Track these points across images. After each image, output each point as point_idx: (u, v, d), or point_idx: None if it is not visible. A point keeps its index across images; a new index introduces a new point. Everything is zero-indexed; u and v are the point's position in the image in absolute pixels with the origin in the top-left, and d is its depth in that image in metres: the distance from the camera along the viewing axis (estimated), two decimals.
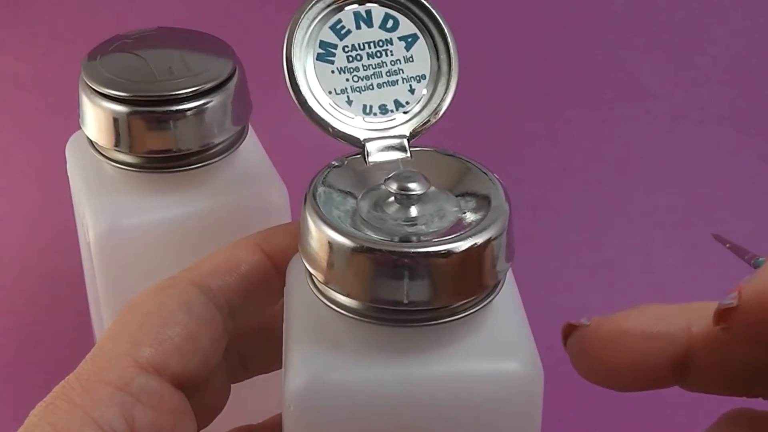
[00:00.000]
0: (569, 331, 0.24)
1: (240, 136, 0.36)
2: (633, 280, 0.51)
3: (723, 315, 0.22)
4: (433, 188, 0.25)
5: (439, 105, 0.27)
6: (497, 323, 0.25)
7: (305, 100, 0.26)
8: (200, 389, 0.27)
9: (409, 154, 0.26)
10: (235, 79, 0.34)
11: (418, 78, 0.27)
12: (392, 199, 0.25)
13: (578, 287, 0.51)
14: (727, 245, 0.29)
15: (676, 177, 0.55)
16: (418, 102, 0.27)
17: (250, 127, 0.37)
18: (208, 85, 0.33)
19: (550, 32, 0.58)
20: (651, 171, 0.55)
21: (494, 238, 0.23)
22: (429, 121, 0.27)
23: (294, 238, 0.29)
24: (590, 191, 0.55)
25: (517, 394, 0.24)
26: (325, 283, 0.24)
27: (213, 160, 0.34)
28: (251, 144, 0.37)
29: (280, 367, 0.31)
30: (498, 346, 0.25)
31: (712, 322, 0.22)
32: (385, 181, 0.25)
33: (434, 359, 0.24)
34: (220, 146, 0.35)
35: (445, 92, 0.27)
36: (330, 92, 0.26)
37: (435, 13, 0.27)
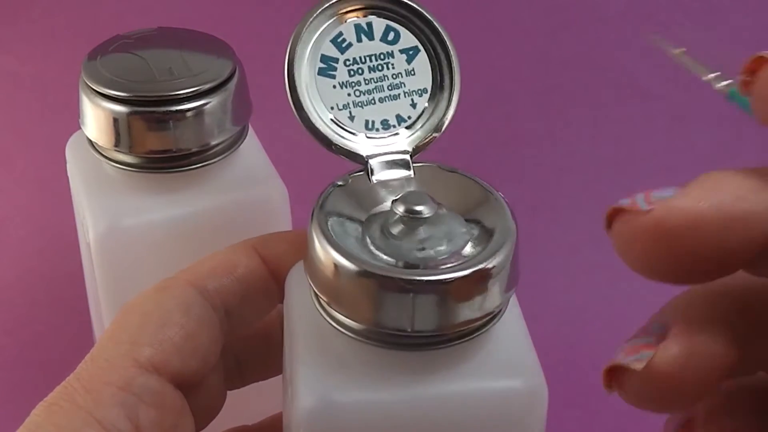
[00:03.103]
0: (615, 214, 0.21)
1: (240, 137, 0.36)
2: (633, 280, 0.51)
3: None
4: (440, 210, 0.25)
5: (441, 120, 0.27)
6: (501, 341, 0.25)
7: (308, 117, 0.26)
8: (197, 390, 0.28)
9: (412, 172, 0.26)
10: (235, 80, 0.34)
11: (419, 92, 0.27)
12: (399, 220, 0.24)
13: (578, 287, 0.51)
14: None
15: (676, 177, 0.55)
16: (420, 116, 0.27)
17: (250, 127, 0.37)
18: (208, 86, 0.33)
19: (550, 32, 0.58)
20: (651, 171, 0.55)
21: (501, 265, 0.23)
22: (432, 136, 0.27)
23: (291, 245, 0.29)
24: (590, 191, 0.55)
25: (522, 411, 0.24)
26: (331, 305, 0.24)
27: (213, 161, 0.34)
28: (251, 144, 0.37)
29: (276, 375, 0.31)
30: (503, 365, 0.25)
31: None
32: (392, 202, 0.24)
33: (441, 379, 0.24)
34: (220, 146, 0.35)
35: (447, 107, 0.27)
36: (332, 108, 0.26)
37: (437, 26, 0.27)
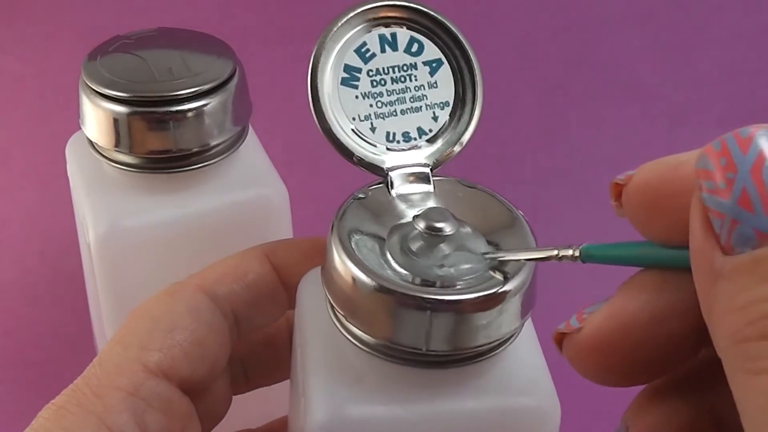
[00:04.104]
0: (560, 339, 0.22)
1: (240, 137, 0.36)
2: None
3: (616, 188, 0.21)
4: (461, 228, 0.24)
5: (462, 135, 0.27)
6: (514, 359, 0.25)
7: (329, 128, 0.26)
8: (204, 396, 0.28)
9: (432, 186, 0.26)
10: (235, 80, 0.34)
11: (441, 105, 0.27)
12: (420, 237, 0.24)
13: (577, 288, 0.51)
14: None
15: None
16: (442, 130, 0.27)
17: (250, 127, 0.37)
18: (208, 86, 0.33)
19: (550, 32, 0.58)
20: None
21: (518, 287, 0.23)
22: (452, 151, 0.27)
23: (302, 253, 0.29)
24: (590, 191, 0.55)
25: (534, 429, 0.24)
26: (347, 318, 0.24)
27: (213, 161, 0.34)
28: (251, 144, 0.37)
29: (281, 380, 0.31)
30: (516, 383, 0.25)
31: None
32: (414, 218, 0.24)
33: (455, 396, 0.24)
34: (220, 147, 0.35)
35: (469, 121, 0.27)
36: (354, 119, 0.26)
37: (461, 39, 0.27)
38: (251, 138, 0.37)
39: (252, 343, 0.30)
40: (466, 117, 0.27)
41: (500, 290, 0.23)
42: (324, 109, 0.26)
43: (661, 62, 0.57)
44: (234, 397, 0.30)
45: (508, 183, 0.54)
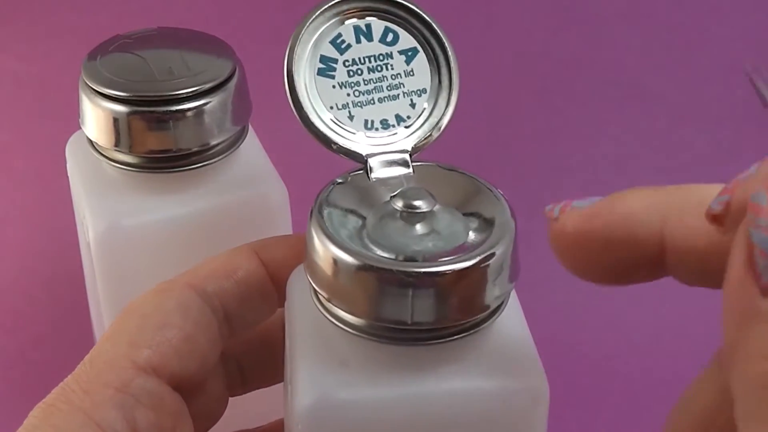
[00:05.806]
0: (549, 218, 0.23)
1: (240, 136, 0.36)
2: None
3: (715, 219, 0.21)
4: (438, 206, 0.25)
5: (440, 120, 0.27)
6: (502, 339, 0.25)
7: (307, 116, 0.26)
8: (197, 394, 0.28)
9: (411, 170, 0.26)
10: (235, 79, 0.34)
11: (418, 92, 0.27)
12: (398, 216, 0.24)
13: (576, 287, 0.51)
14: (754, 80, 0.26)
15: (676, 177, 0.55)
16: (420, 116, 0.27)
17: (250, 127, 0.37)
18: (208, 85, 0.33)
19: (550, 32, 0.58)
20: (651, 171, 0.55)
21: (499, 257, 0.23)
22: (431, 135, 0.27)
23: (292, 249, 0.29)
24: (590, 191, 0.55)
25: (523, 408, 0.24)
26: (330, 301, 0.24)
27: (213, 160, 0.35)
28: (251, 144, 0.37)
29: (278, 382, 0.31)
30: (504, 362, 0.25)
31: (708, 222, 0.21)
32: (390, 198, 0.25)
33: (441, 376, 0.24)
34: (220, 146, 0.35)
35: (446, 106, 0.27)
36: (331, 107, 0.26)
37: (435, 27, 0.27)
38: (251, 138, 0.37)
39: (248, 344, 0.30)
40: (443, 103, 0.27)
41: (481, 259, 0.23)
42: (301, 99, 0.26)
43: (661, 62, 0.57)
44: (231, 398, 0.30)
45: (508, 182, 0.54)
